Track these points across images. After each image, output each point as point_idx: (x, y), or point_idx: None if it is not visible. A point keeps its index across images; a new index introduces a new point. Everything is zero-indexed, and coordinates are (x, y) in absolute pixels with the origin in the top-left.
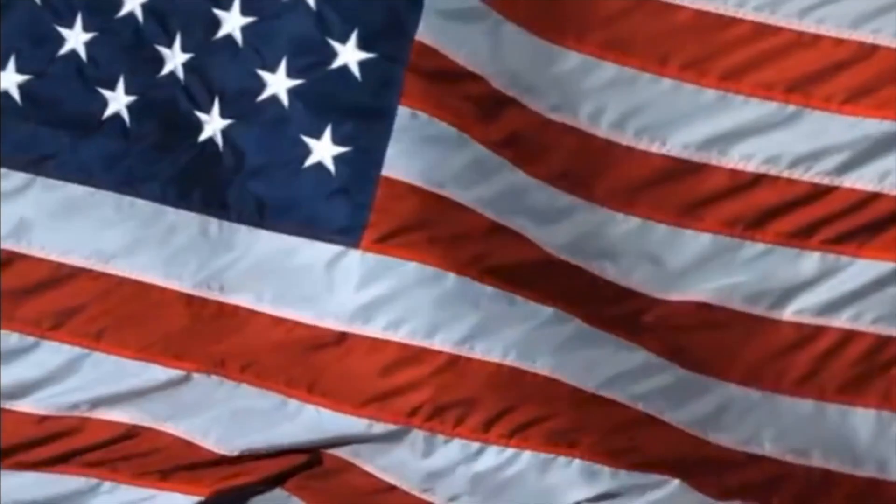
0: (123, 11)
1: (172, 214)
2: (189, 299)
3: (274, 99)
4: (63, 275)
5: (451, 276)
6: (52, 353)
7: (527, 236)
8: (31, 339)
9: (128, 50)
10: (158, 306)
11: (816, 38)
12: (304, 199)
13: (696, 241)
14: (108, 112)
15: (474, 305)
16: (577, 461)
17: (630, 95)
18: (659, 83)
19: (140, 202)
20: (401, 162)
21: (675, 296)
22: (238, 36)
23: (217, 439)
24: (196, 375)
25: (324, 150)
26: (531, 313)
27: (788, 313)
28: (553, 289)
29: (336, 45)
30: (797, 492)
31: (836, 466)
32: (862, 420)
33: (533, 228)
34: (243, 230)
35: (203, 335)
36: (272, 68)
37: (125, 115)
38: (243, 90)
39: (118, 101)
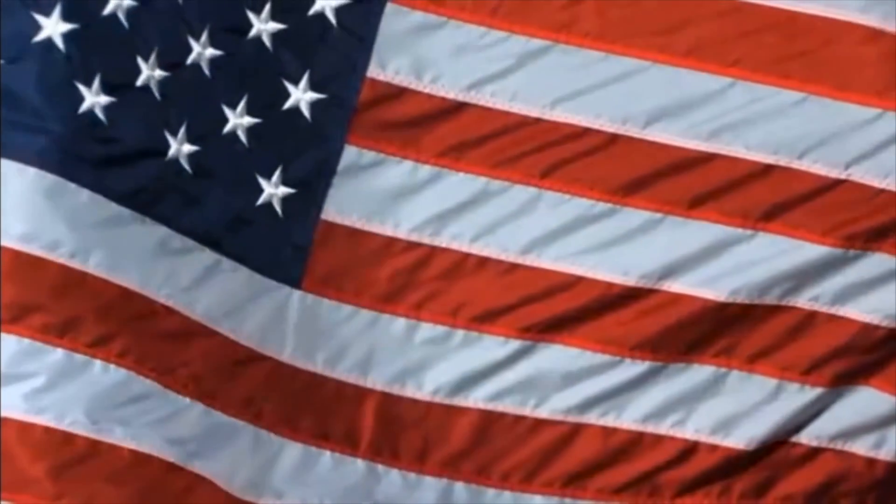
0: (107, 10)
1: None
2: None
3: (234, 136)
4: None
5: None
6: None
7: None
8: None
9: (109, 51)
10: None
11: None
12: (255, 239)
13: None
14: (84, 107)
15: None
16: None
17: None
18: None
19: (101, 200)
20: (341, 203)
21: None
22: (205, 67)
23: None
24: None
25: (273, 190)
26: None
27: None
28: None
29: (289, 85)
30: None
31: None
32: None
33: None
34: (207, 252)
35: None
36: (233, 104)
37: (101, 114)
38: (208, 121)
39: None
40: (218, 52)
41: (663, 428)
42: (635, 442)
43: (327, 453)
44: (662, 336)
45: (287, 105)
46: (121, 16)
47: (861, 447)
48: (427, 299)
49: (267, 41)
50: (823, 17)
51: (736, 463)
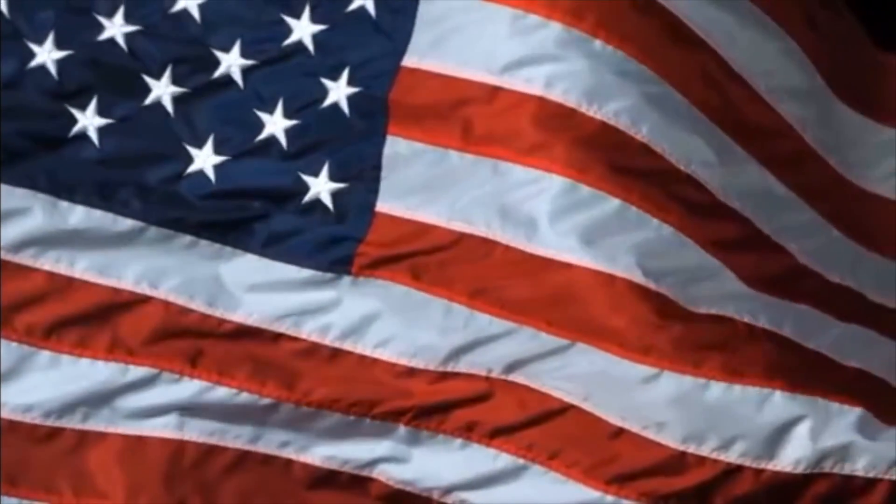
0: (104, 36)
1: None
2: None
3: (273, 139)
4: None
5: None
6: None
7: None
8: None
9: (109, 74)
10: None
11: None
12: (304, 235)
13: None
14: (76, 130)
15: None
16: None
17: None
18: None
19: (126, 221)
20: (392, 193)
21: None
22: (238, 77)
23: None
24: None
25: (321, 186)
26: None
27: None
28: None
29: (327, 82)
30: None
31: None
32: None
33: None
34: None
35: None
36: (270, 110)
37: (94, 135)
38: (242, 130)
39: (89, 120)
40: (250, 62)
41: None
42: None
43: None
44: None
45: (327, 103)
46: (120, 41)
47: None
48: (481, 290)
49: (308, 43)
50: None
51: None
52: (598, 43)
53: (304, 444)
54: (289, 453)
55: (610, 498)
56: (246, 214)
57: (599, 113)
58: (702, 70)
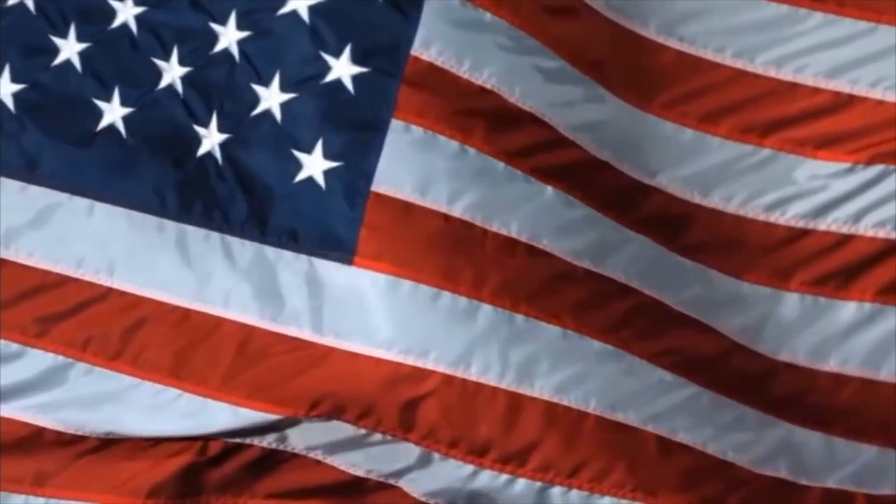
0: (117, 23)
1: (173, 228)
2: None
3: (268, 113)
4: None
5: (446, 294)
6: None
7: (540, 247)
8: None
9: (124, 61)
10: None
11: (793, 86)
12: (295, 215)
13: None
14: (103, 123)
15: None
16: (574, 491)
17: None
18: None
19: (136, 214)
20: (392, 177)
21: None
22: (234, 50)
23: None
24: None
25: (315, 164)
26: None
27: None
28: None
29: (330, 59)
30: None
31: None
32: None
33: (549, 239)
34: (247, 244)
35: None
36: (266, 83)
37: (121, 126)
38: (239, 105)
39: (113, 112)
40: (245, 34)
41: None
42: None
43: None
44: None
45: (328, 79)
46: (131, 24)
47: None
48: (482, 278)
49: (304, 14)
50: None
51: None
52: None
53: None
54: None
55: None
56: None
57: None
58: None
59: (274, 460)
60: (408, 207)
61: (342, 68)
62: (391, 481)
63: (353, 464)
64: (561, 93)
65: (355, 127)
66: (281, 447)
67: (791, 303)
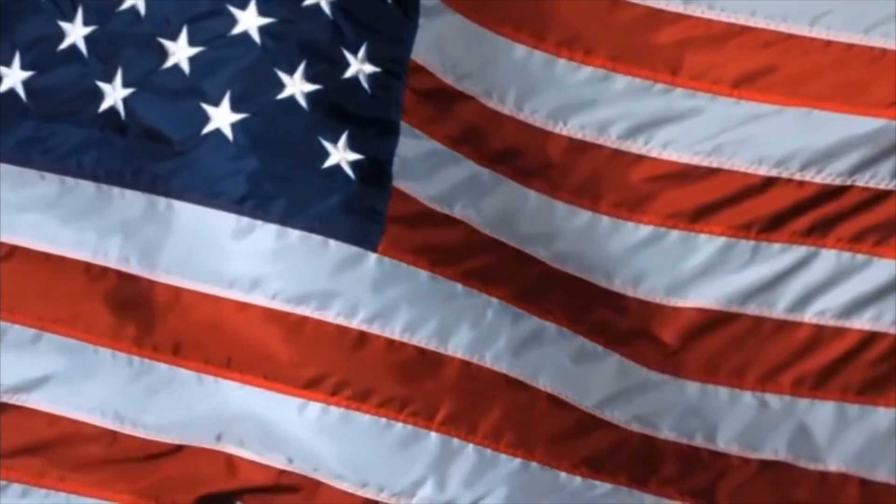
0: (125, 5)
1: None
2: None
3: (292, 101)
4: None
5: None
6: None
7: (526, 251)
8: None
9: (129, 43)
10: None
11: (826, 44)
12: (322, 201)
13: (710, 245)
14: (105, 105)
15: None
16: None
17: (639, 104)
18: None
19: (130, 192)
20: (405, 177)
21: (688, 302)
22: (256, 36)
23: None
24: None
25: (341, 155)
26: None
27: (809, 315)
28: (554, 303)
29: (348, 54)
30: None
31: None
32: (883, 418)
33: (534, 241)
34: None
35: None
36: (289, 71)
37: (121, 108)
38: (259, 89)
39: (115, 93)
40: (270, 20)
41: None
42: None
43: (400, 424)
44: None
45: (347, 74)
46: (139, 6)
47: None
48: (491, 278)
49: (326, 9)
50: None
51: None
52: None
53: None
54: None
55: None
56: None
57: None
58: None
59: None
60: (419, 206)
61: (359, 65)
62: None
63: None
64: None
65: (372, 125)
66: None
67: (827, 260)
